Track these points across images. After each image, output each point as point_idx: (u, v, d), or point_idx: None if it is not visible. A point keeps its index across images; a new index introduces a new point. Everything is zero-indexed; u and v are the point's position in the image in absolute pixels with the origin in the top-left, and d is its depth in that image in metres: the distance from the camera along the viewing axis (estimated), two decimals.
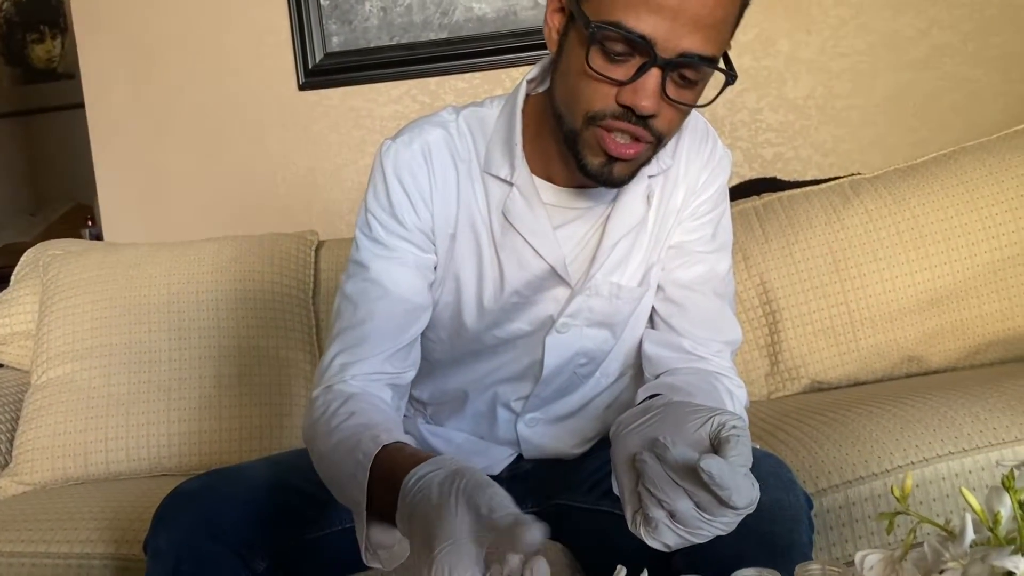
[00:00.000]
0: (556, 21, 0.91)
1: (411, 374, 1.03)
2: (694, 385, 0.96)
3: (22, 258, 1.77)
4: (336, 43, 2.09)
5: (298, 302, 1.57)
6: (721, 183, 1.05)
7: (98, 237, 3.59)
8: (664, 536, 0.69)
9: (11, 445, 1.47)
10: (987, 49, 2.04)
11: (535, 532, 0.61)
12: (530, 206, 0.98)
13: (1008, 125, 2.04)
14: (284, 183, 2.13)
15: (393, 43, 2.07)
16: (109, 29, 2.15)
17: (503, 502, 0.65)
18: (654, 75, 0.82)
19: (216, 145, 2.13)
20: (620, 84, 0.84)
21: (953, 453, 1.08)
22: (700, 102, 0.89)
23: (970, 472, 1.07)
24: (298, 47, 2.08)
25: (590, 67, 0.83)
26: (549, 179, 0.99)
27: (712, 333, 1.02)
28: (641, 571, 0.76)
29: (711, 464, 0.64)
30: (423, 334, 1.06)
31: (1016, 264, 1.51)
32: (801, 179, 2.02)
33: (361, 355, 0.97)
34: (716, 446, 0.69)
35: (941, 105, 2.05)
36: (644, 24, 0.81)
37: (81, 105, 3.95)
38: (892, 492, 0.58)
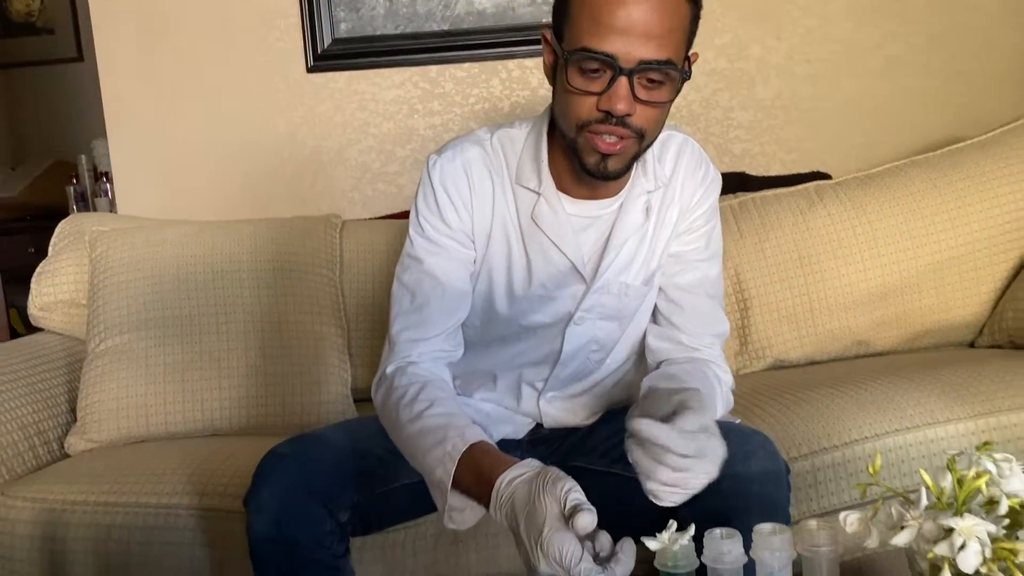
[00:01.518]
0: (548, 59, 1.12)
1: (460, 352, 1.25)
2: (689, 372, 1.18)
3: (58, 229, 1.89)
4: (344, 29, 2.21)
5: (327, 281, 1.74)
6: (713, 201, 1.26)
7: (83, 196, 3.65)
8: (668, 499, 0.92)
9: (69, 405, 1.63)
10: (934, 63, 2.26)
11: (585, 518, 0.84)
12: (555, 212, 1.18)
13: (950, 133, 2.27)
14: (291, 159, 2.25)
15: (398, 32, 2.20)
16: (123, 6, 2.23)
17: (572, 491, 0.88)
18: (623, 83, 1.02)
19: (226, 121, 2.23)
20: (598, 95, 1.04)
21: (899, 430, 1.32)
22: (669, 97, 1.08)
23: (911, 446, 1.31)
24: (308, 32, 2.19)
25: (571, 85, 1.04)
26: (565, 192, 1.19)
27: (705, 328, 1.24)
28: (650, 523, 0.99)
29: (632, 424, 0.88)
30: (468, 333, 1.27)
31: (952, 266, 1.75)
32: (766, 174, 2.23)
33: (424, 334, 1.19)
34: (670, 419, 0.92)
35: (893, 111, 2.27)
36: (606, 44, 1.01)
37: (60, 60, 3.97)
38: (868, 470, 0.80)
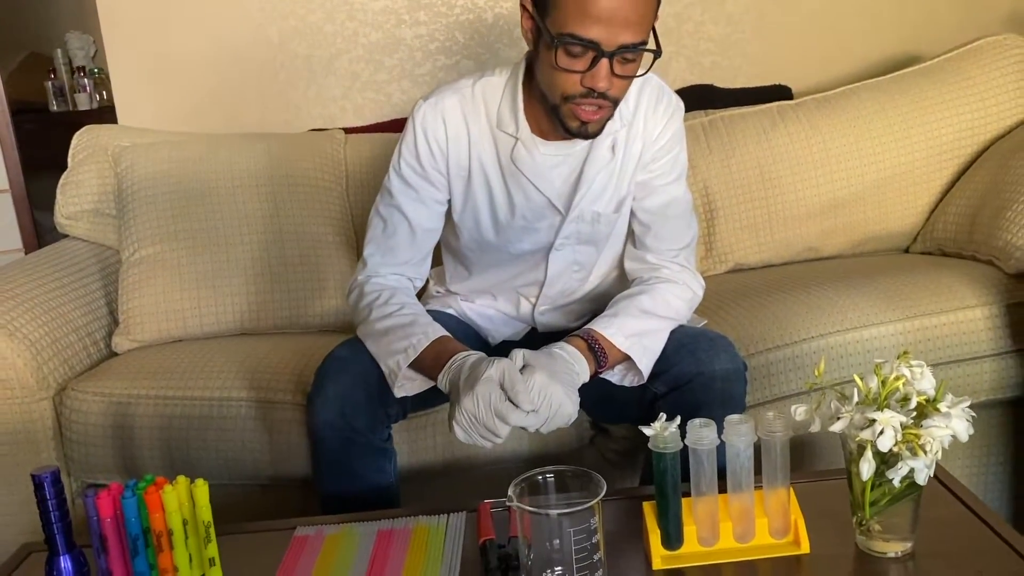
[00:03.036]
0: (528, 25, 1.26)
1: (420, 282, 1.46)
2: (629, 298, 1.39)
3: (74, 141, 2.00)
4: None
5: (336, 194, 1.90)
6: (675, 129, 1.41)
7: (61, 91, 3.67)
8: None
9: (108, 308, 1.79)
10: None
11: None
12: (531, 154, 1.36)
13: (903, 49, 2.44)
14: (283, 68, 2.35)
15: None
16: None
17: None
18: (603, 63, 1.18)
19: (220, 29, 2.30)
20: (581, 72, 1.20)
21: (839, 331, 1.55)
22: (641, 71, 1.24)
23: (849, 344, 1.55)
24: None
25: (557, 64, 1.20)
26: (541, 135, 1.36)
27: (671, 244, 1.44)
28: (633, 409, 1.23)
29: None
30: (459, 248, 1.46)
31: (893, 183, 1.96)
32: (732, 86, 2.40)
33: (392, 260, 1.41)
34: None
35: (851, 27, 2.42)
36: (590, 31, 1.16)
37: None
38: (815, 373, 1.03)
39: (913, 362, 1.00)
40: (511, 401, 1.15)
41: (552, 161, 1.36)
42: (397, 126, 2.26)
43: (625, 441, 1.56)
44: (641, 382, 1.34)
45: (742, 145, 1.98)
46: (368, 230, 1.41)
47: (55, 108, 3.58)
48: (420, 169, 1.36)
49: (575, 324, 1.56)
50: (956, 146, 1.96)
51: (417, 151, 1.36)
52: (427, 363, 1.27)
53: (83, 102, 3.56)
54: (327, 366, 1.32)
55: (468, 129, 1.36)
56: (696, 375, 1.31)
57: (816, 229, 1.98)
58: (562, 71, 1.20)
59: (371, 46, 2.36)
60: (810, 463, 1.57)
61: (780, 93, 2.32)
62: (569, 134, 1.28)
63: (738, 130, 2.00)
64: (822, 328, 1.56)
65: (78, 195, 1.90)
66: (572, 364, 1.25)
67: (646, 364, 1.31)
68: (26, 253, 2.08)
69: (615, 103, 1.25)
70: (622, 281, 1.54)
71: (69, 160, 1.98)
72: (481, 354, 1.25)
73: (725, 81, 2.41)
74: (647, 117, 1.38)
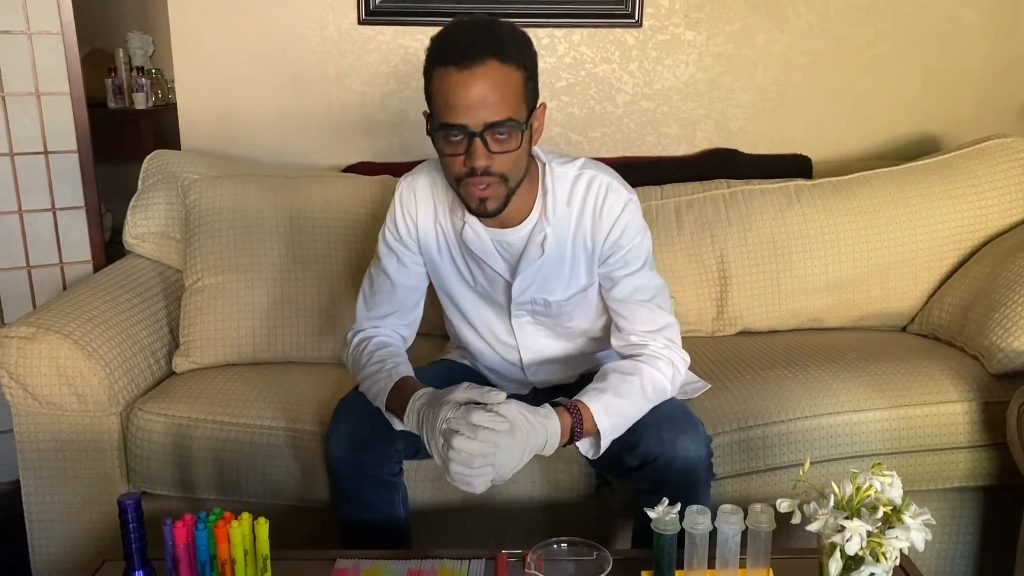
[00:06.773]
0: (429, 126, 1.39)
1: (408, 331, 1.62)
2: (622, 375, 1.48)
3: (145, 165, 2.17)
4: None
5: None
6: (628, 222, 1.49)
7: (120, 89, 3.83)
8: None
9: (169, 327, 1.96)
10: (914, 62, 2.55)
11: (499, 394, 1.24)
12: (477, 235, 1.52)
13: (921, 129, 2.58)
14: (338, 102, 2.51)
15: None
16: None
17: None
18: (477, 143, 1.33)
19: (283, 61, 2.46)
20: (463, 155, 1.35)
21: (831, 413, 1.70)
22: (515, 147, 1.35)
23: (839, 426, 1.70)
24: None
25: (444, 152, 1.37)
26: (481, 220, 1.50)
27: (647, 326, 1.53)
28: (615, 465, 1.35)
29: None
30: (445, 312, 1.64)
31: (896, 267, 2.11)
32: (755, 151, 2.54)
33: (374, 314, 1.59)
34: None
35: (873, 104, 2.57)
36: (457, 118, 1.32)
37: None
38: (800, 474, 1.19)
39: (885, 472, 1.16)
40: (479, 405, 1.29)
41: (495, 245, 1.52)
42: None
43: (626, 494, 1.72)
44: (596, 456, 1.46)
45: (759, 220, 2.13)
46: (362, 288, 1.61)
47: (113, 105, 3.75)
48: (398, 236, 1.56)
49: (570, 375, 1.71)
50: (957, 239, 2.10)
51: (396, 222, 1.56)
52: (397, 406, 1.42)
53: (140, 101, 3.72)
54: (342, 406, 1.52)
55: (435, 206, 1.54)
56: (659, 455, 1.42)
57: (821, 303, 2.13)
58: (447, 155, 1.36)
59: (420, 88, 2.48)
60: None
61: (799, 163, 2.46)
62: (473, 213, 1.44)
63: (756, 205, 2.15)
64: (815, 409, 1.71)
65: (147, 218, 2.06)
66: (542, 436, 1.34)
67: (606, 445, 1.44)
68: (93, 265, 2.25)
69: (504, 178, 1.38)
70: (606, 333, 1.64)
71: (140, 183, 2.15)
72: (432, 389, 1.38)
73: (749, 145, 2.55)
74: (595, 216, 1.49)
